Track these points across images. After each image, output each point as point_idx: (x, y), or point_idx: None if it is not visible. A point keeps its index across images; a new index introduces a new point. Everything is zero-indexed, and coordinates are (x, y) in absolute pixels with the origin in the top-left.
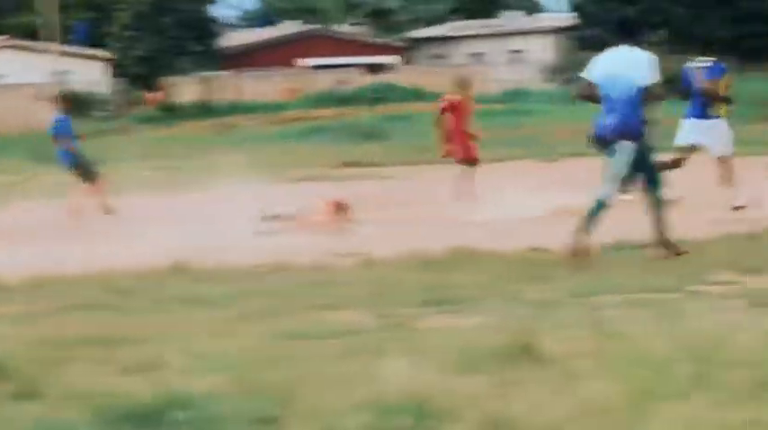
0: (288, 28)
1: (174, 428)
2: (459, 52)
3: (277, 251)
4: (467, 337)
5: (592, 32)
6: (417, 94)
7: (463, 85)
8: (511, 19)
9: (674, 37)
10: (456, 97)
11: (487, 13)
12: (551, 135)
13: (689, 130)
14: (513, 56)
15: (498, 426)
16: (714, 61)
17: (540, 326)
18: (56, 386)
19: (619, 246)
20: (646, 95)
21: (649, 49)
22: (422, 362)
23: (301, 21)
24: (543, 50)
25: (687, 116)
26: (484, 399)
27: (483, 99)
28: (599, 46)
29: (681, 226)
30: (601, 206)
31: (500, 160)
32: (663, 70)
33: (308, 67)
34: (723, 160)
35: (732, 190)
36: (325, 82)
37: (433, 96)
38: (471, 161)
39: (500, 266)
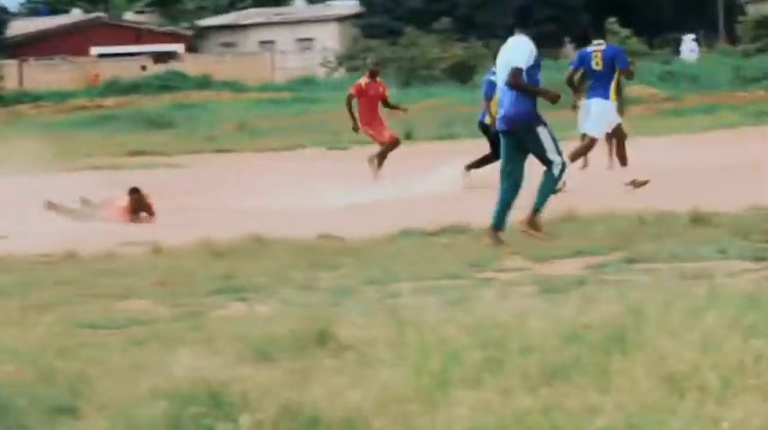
0: (75, 16)
1: None
2: (249, 40)
3: (67, 240)
4: (262, 326)
5: (377, 20)
6: (205, 83)
7: (373, 70)
8: (300, 7)
9: (459, 25)
10: (364, 82)
11: (278, 2)
12: (340, 123)
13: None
14: (302, 44)
15: (295, 415)
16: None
17: (335, 313)
18: None
19: (407, 234)
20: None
21: (438, 37)
22: (216, 350)
23: (82, 9)
24: (330, 38)
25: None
26: (280, 388)
27: (271, 87)
28: (384, 34)
29: (473, 212)
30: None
31: (290, 148)
32: (450, 57)
33: (94, 56)
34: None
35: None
36: (112, 70)
37: (221, 85)
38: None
39: (292, 254)
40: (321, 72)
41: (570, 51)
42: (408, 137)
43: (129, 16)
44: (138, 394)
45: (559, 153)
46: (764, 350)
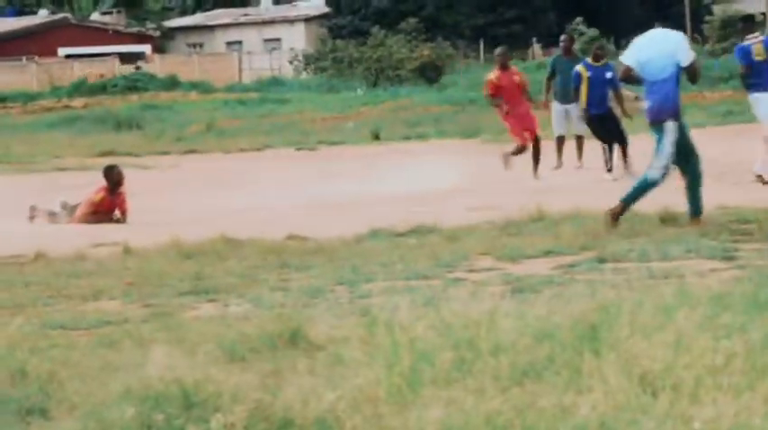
0: (41, 17)
1: None
2: (216, 41)
3: (36, 241)
4: (233, 326)
5: (344, 21)
6: (172, 84)
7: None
8: (267, 7)
9: (426, 25)
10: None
11: (244, 2)
12: (308, 124)
13: None
14: (270, 44)
15: (267, 416)
16: None
17: (307, 314)
18: None
19: (376, 234)
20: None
21: (405, 37)
22: (188, 351)
23: (49, 10)
24: (298, 39)
25: None
26: (252, 389)
27: (239, 88)
28: (351, 34)
29: (438, 213)
30: (648, 185)
31: (258, 149)
32: (418, 58)
33: (61, 57)
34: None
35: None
36: (78, 71)
37: (189, 86)
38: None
39: (261, 255)
40: (289, 72)
41: (537, 51)
42: (376, 137)
43: (96, 17)
44: (110, 395)
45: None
46: (735, 349)
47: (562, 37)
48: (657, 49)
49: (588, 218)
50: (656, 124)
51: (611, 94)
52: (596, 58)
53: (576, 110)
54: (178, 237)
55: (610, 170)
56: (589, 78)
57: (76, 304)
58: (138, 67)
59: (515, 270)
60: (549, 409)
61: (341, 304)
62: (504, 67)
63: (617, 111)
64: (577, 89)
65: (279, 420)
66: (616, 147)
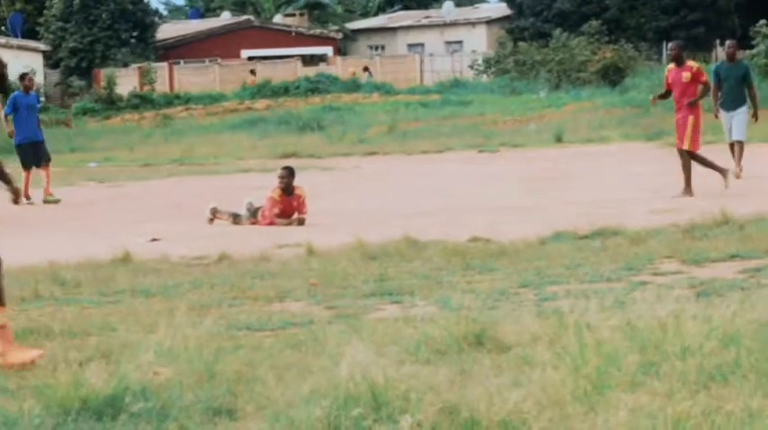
0: (224, 20)
1: (132, 419)
2: (398, 43)
3: (221, 242)
4: (419, 328)
5: (525, 23)
6: (354, 86)
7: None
8: (449, 9)
9: (608, 27)
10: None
11: (426, 4)
12: (490, 126)
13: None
14: (451, 47)
15: (454, 416)
16: None
17: (493, 315)
18: (11, 378)
19: (559, 236)
20: None
21: (587, 39)
22: (375, 352)
23: (232, 12)
24: (479, 41)
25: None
26: (440, 388)
27: (420, 90)
28: (533, 37)
29: (621, 215)
30: None
31: (440, 151)
32: (600, 60)
33: (244, 59)
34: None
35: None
36: (262, 73)
37: (371, 87)
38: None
39: (445, 257)
40: (469, 75)
41: (720, 53)
42: (559, 139)
43: (278, 19)
44: (297, 395)
45: None
46: None
47: (727, 43)
48: None
49: None
50: None
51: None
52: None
53: (740, 115)
54: (361, 239)
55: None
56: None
57: (261, 305)
58: (366, 69)
59: (700, 273)
60: (736, 413)
61: (525, 306)
62: (676, 61)
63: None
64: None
65: (465, 420)
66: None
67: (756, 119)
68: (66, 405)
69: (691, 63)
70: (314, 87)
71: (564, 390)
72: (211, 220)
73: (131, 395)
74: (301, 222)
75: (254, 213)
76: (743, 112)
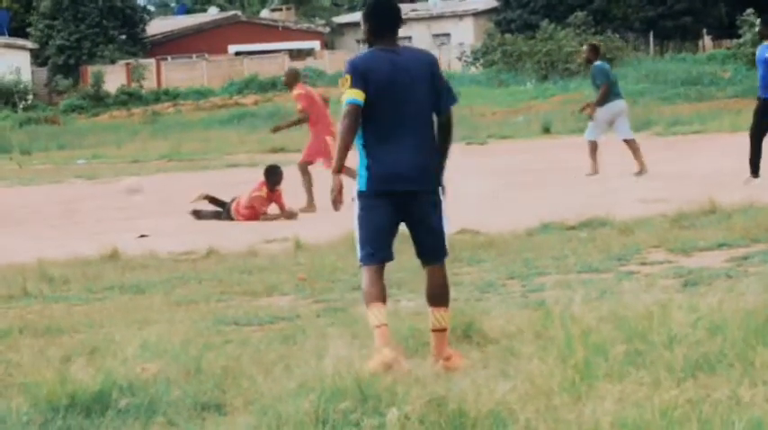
0: (212, 15)
1: (120, 415)
2: None
3: (208, 237)
4: (406, 321)
5: (512, 15)
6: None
7: None
8: (435, 2)
9: (595, 18)
10: None
11: None
12: (478, 118)
13: None
14: (438, 39)
15: (441, 408)
16: None
17: (480, 307)
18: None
19: (547, 227)
20: None
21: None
22: (362, 345)
23: (220, 8)
24: (466, 34)
25: None
26: (427, 381)
27: None
28: (520, 28)
29: (610, 206)
30: None
31: None
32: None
33: (232, 54)
34: None
35: None
36: (249, 68)
37: None
38: None
39: None
40: (458, 67)
41: (708, 43)
42: (547, 130)
43: (265, 14)
44: (285, 390)
45: None
46: None
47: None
48: None
49: (762, 210)
50: None
51: None
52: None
53: None
54: (349, 232)
55: None
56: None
57: (249, 300)
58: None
59: (688, 263)
60: (723, 402)
61: (513, 298)
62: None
63: None
64: None
65: (452, 412)
66: None
67: None
68: (53, 401)
69: None
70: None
71: (551, 381)
72: (196, 214)
73: (119, 391)
74: (292, 216)
75: (229, 208)
76: None
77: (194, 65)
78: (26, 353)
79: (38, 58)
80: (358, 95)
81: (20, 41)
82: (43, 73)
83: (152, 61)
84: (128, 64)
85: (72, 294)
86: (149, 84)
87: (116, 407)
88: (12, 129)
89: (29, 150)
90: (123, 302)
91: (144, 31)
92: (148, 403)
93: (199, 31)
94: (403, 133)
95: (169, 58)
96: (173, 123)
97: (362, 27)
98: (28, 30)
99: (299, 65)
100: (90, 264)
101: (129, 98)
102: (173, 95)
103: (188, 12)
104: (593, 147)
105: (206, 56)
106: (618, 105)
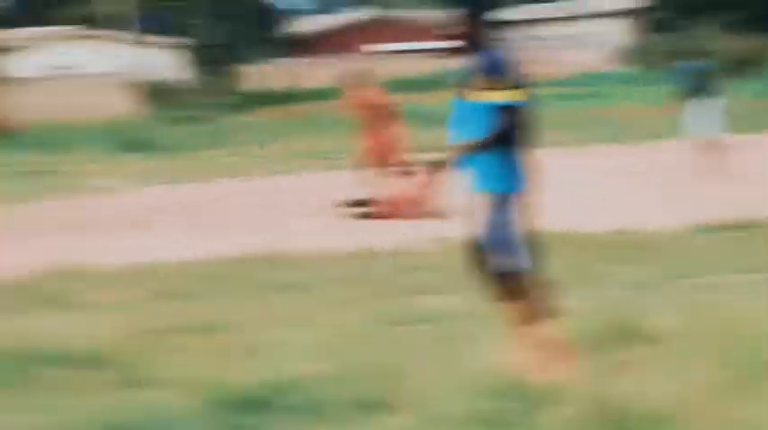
0: (356, 15)
1: (282, 414)
2: (530, 35)
3: (361, 237)
4: (565, 320)
5: (660, 14)
6: None
7: None
8: (583, 2)
9: (749, 18)
10: None
11: None
12: (627, 118)
13: None
14: (586, 39)
15: (603, 408)
16: None
17: (640, 308)
18: (163, 373)
19: (705, 229)
20: None
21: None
22: (518, 346)
23: (366, 7)
24: (615, 33)
25: None
26: (589, 381)
27: (557, 82)
28: (671, 28)
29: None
30: None
31: (577, 144)
32: (739, 51)
33: (380, 53)
34: None
35: None
36: (393, 68)
37: None
38: None
39: (588, 249)
40: (602, 67)
41: None
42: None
43: (416, 13)
44: (446, 389)
45: None
46: None
47: None
48: None
49: None
50: None
51: None
52: None
53: None
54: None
55: None
56: None
57: (406, 298)
58: None
59: None
60: None
61: (672, 298)
62: None
63: None
64: None
65: (615, 413)
66: None
67: None
68: (216, 399)
69: None
70: (441, 81)
71: (713, 381)
72: (350, 208)
73: (279, 389)
74: (442, 215)
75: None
76: None
77: (339, 65)
78: (190, 351)
79: (194, 58)
80: None
81: (177, 41)
82: (198, 72)
83: (302, 60)
84: (280, 63)
85: (234, 292)
86: (298, 82)
87: (277, 405)
88: (167, 127)
89: (183, 148)
90: (283, 301)
91: (294, 30)
92: (309, 402)
93: (344, 30)
94: None
95: (316, 57)
96: (324, 121)
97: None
98: (180, 27)
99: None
100: (244, 263)
101: (278, 97)
102: (321, 94)
103: (332, 12)
104: (718, 145)
105: (352, 54)
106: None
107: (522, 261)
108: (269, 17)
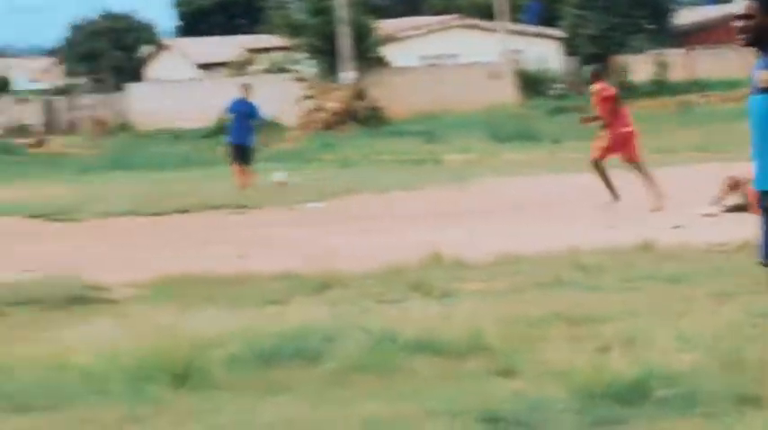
0: (735, 5)
1: (656, 405)
2: None
3: (742, 229)
4: None
5: None
6: None
7: None
8: None
9: None
10: None
11: None
12: None
13: None
14: None
15: None
16: None
17: None
18: (533, 363)
19: None
20: None
21: None
22: None
23: None
24: None
25: None
26: None
27: None
28: None
29: None
30: None
31: None
32: None
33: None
34: None
35: None
36: None
37: None
38: None
39: None
40: None
41: None
42: None
43: None
44: None
45: None
46: None
47: None
48: None
49: None
50: None
51: None
52: None
53: None
54: None
55: None
56: None
57: None
58: None
59: None
60: None
61: None
62: None
63: None
64: None
65: None
66: None
67: None
68: (589, 390)
69: None
70: None
71: None
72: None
73: (656, 381)
74: None
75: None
76: None
77: (723, 55)
78: (561, 342)
79: (567, 48)
80: None
81: (549, 31)
82: (573, 62)
83: (681, 51)
84: (657, 54)
85: (606, 283)
86: (678, 74)
87: (654, 397)
88: (542, 118)
89: (559, 139)
90: (658, 292)
91: (673, 21)
92: (686, 394)
93: (727, 20)
94: None
95: (698, 48)
96: (702, 114)
97: None
98: (556, 17)
99: None
100: (623, 254)
101: (657, 88)
102: (702, 86)
103: (716, 2)
104: None
105: (734, 46)
106: None
107: None
108: (656, 7)
